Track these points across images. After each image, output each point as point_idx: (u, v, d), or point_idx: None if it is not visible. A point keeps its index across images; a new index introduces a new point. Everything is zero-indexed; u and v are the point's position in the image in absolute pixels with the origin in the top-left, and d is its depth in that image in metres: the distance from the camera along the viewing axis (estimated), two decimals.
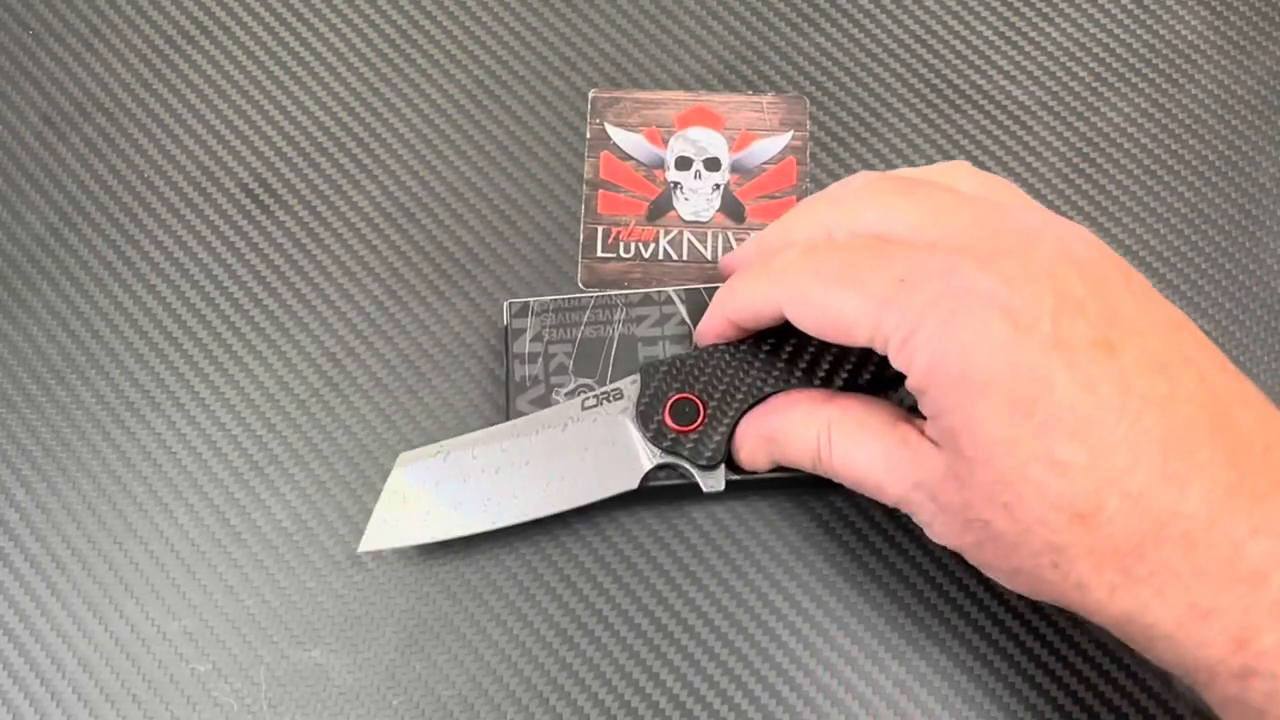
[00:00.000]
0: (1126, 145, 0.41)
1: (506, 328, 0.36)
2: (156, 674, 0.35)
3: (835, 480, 0.31)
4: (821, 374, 0.33)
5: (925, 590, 0.35)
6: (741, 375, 0.33)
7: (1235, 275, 0.39)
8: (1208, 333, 0.38)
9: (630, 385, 0.34)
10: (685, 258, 0.40)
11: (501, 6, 0.43)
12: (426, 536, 0.33)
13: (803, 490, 0.36)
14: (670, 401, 0.33)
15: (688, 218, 0.40)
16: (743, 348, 0.33)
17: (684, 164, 0.41)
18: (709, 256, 0.40)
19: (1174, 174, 0.41)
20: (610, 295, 0.36)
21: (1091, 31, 0.43)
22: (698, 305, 0.35)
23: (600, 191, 0.41)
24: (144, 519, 0.37)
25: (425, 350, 0.39)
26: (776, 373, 0.33)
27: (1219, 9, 0.43)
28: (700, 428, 0.33)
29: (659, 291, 0.36)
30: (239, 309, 0.39)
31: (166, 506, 0.37)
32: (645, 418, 0.33)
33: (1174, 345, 0.26)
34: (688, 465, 0.33)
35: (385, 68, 0.42)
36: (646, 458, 0.33)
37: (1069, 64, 0.42)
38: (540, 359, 0.35)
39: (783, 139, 0.41)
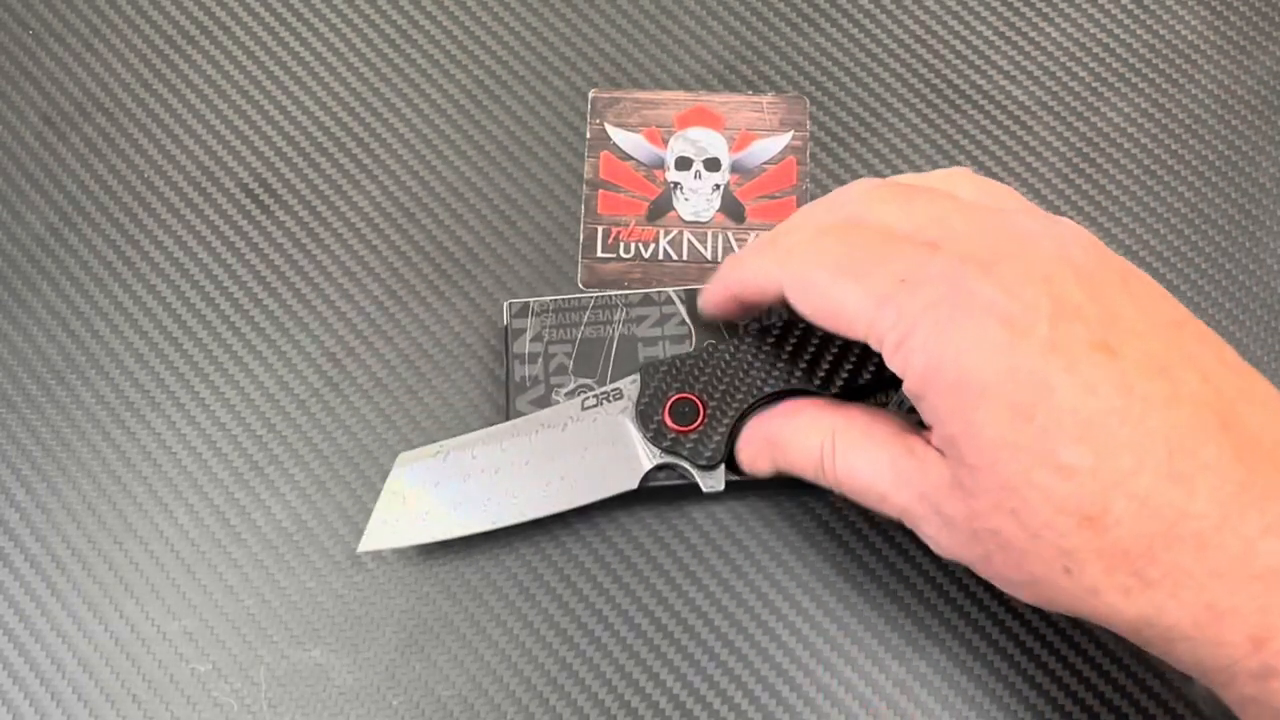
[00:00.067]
0: (1126, 145, 0.41)
1: (506, 328, 0.36)
2: (156, 674, 0.35)
3: (837, 490, 0.31)
4: (821, 374, 0.33)
5: (925, 590, 0.35)
6: (741, 375, 0.33)
7: (1235, 275, 0.39)
8: None
9: (630, 385, 0.34)
10: (685, 258, 0.40)
11: (501, 6, 0.43)
12: (426, 536, 0.33)
13: (803, 490, 0.36)
14: (670, 401, 0.33)
15: (688, 218, 0.40)
16: (743, 347, 0.33)
17: (684, 164, 0.41)
18: (709, 257, 0.40)
19: (1174, 174, 0.41)
20: (610, 295, 0.36)
21: (1091, 31, 0.43)
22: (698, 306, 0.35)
23: (600, 191, 0.41)
24: (144, 519, 0.37)
25: (425, 350, 0.39)
26: (776, 373, 0.33)
27: (1219, 9, 0.43)
28: (700, 428, 0.33)
29: (659, 292, 0.36)
30: (239, 309, 0.39)
31: (166, 506, 0.37)
32: (645, 418, 0.33)
33: (1175, 345, 0.26)
34: (687, 465, 0.33)
35: (385, 68, 0.42)
36: (646, 458, 0.33)
37: (1069, 64, 0.42)
38: (540, 359, 0.35)
39: (783, 139, 0.41)
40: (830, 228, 0.30)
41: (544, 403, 0.35)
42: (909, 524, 0.29)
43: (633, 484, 0.33)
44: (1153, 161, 0.41)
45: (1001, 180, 0.40)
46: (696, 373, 0.33)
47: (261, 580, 0.36)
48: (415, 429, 0.38)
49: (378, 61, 0.43)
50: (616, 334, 0.36)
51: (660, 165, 0.41)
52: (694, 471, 0.33)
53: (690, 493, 0.34)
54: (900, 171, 0.41)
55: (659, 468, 0.33)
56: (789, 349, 0.33)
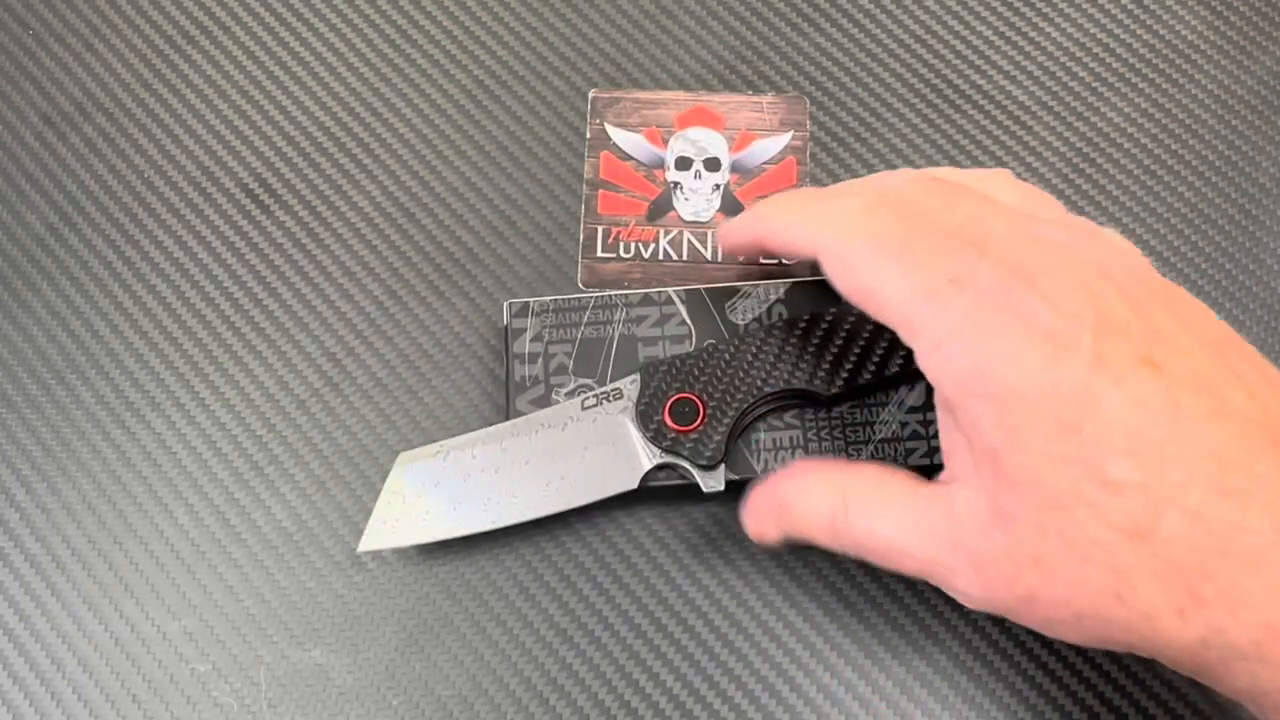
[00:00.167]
0: (1126, 145, 0.41)
1: (506, 328, 0.36)
2: (156, 674, 0.35)
3: (853, 554, 0.29)
4: (822, 374, 0.33)
5: (926, 590, 0.35)
6: (741, 375, 0.33)
7: (1235, 275, 0.39)
8: None
9: (630, 385, 0.34)
10: (685, 258, 0.40)
11: (501, 6, 0.43)
12: (426, 536, 0.33)
13: None
14: (670, 401, 0.33)
15: (688, 218, 0.40)
16: (743, 347, 0.33)
17: (684, 164, 0.41)
18: (709, 257, 0.40)
19: (1174, 174, 0.41)
20: (610, 295, 0.36)
21: (1091, 31, 0.43)
22: (698, 306, 0.35)
23: (600, 191, 0.41)
24: (144, 519, 0.37)
25: (425, 350, 0.39)
26: (777, 372, 0.33)
27: (1219, 9, 0.43)
28: (700, 427, 0.33)
29: (659, 292, 0.36)
30: (239, 309, 0.39)
31: (166, 506, 0.37)
32: (645, 417, 0.33)
33: (1220, 362, 0.26)
34: (687, 465, 0.33)
35: (385, 68, 0.42)
36: (646, 457, 0.33)
37: (1069, 64, 0.42)
38: (540, 359, 0.35)
39: (783, 139, 0.41)
40: (880, 203, 0.29)
41: (544, 403, 0.35)
42: (934, 580, 0.28)
43: (633, 484, 0.33)
44: (1153, 161, 0.41)
45: None
46: (696, 372, 0.33)
47: (261, 580, 0.36)
48: (415, 429, 0.38)
49: (378, 61, 0.43)
50: (616, 334, 0.35)
51: (660, 165, 0.41)
52: (694, 471, 0.33)
53: (690, 493, 0.34)
54: None
55: (659, 467, 0.33)
56: (789, 349, 0.33)
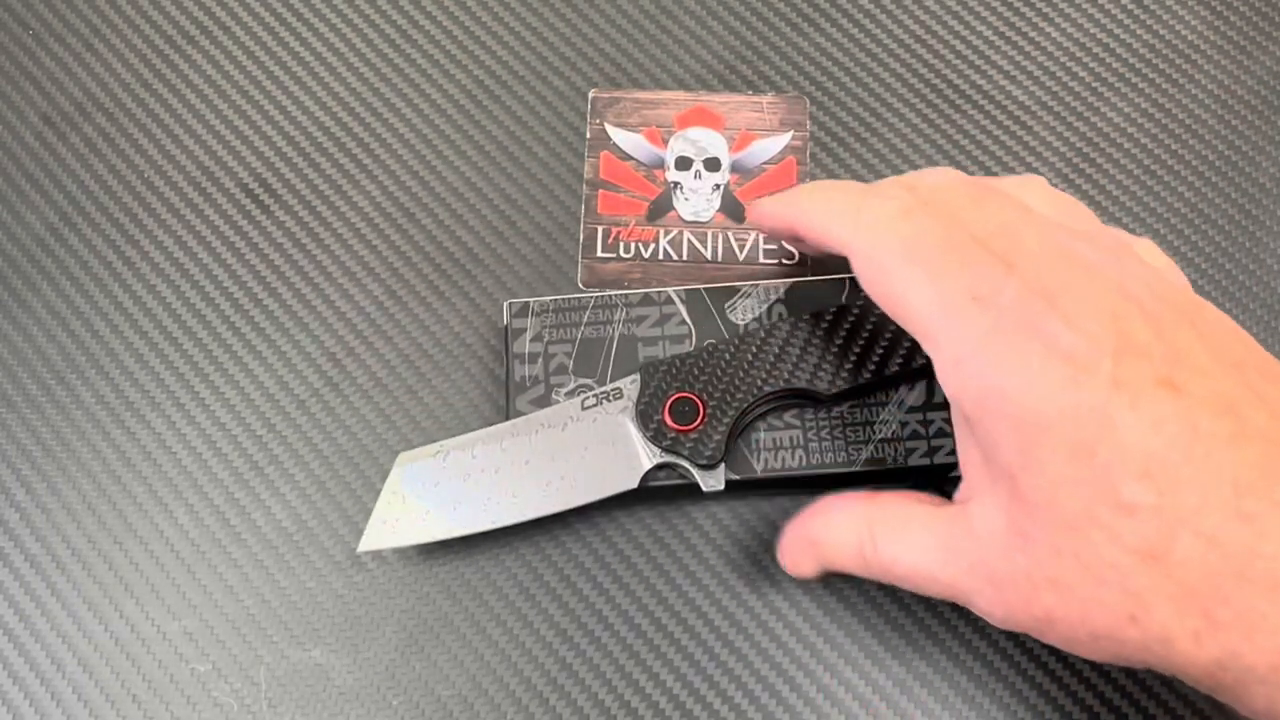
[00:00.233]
0: (1126, 145, 0.41)
1: (506, 328, 0.36)
2: (156, 674, 0.35)
3: (885, 580, 0.30)
4: (822, 374, 0.33)
5: None
6: (741, 374, 0.33)
7: (1235, 275, 0.39)
8: None
9: (630, 385, 0.34)
10: (685, 258, 0.40)
11: (501, 6, 0.43)
12: (426, 536, 0.33)
13: (803, 489, 0.36)
14: (670, 401, 0.33)
15: (688, 218, 0.40)
16: (743, 347, 0.33)
17: (684, 164, 0.41)
18: (709, 257, 0.40)
19: (1174, 174, 0.41)
20: (610, 295, 0.36)
21: (1091, 31, 0.43)
22: (698, 306, 0.35)
23: (600, 191, 0.41)
24: (144, 519, 0.37)
25: (425, 350, 0.39)
26: (776, 372, 0.33)
27: (1219, 9, 0.43)
28: (700, 427, 0.33)
29: (659, 292, 0.36)
30: (239, 309, 0.39)
31: (166, 506, 0.37)
32: (645, 417, 0.33)
33: (1243, 382, 0.25)
34: (687, 465, 0.33)
35: (385, 68, 0.43)
36: (646, 457, 0.33)
37: (1069, 64, 0.42)
38: (540, 359, 0.35)
39: (783, 139, 0.41)
40: (916, 208, 0.29)
41: (544, 402, 0.35)
42: (960, 601, 0.28)
43: (633, 483, 0.33)
44: (1153, 161, 0.41)
45: None
46: (696, 372, 0.33)
47: (261, 580, 0.36)
48: (415, 429, 0.38)
49: (378, 61, 0.43)
50: (616, 334, 0.35)
51: (660, 165, 0.41)
52: (694, 471, 0.33)
53: (690, 492, 0.34)
54: (900, 171, 0.41)
55: (659, 467, 0.33)
56: (789, 348, 0.33)
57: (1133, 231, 0.40)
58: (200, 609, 0.36)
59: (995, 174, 0.41)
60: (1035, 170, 0.41)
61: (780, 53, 0.43)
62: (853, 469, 0.34)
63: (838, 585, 0.36)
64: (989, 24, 0.43)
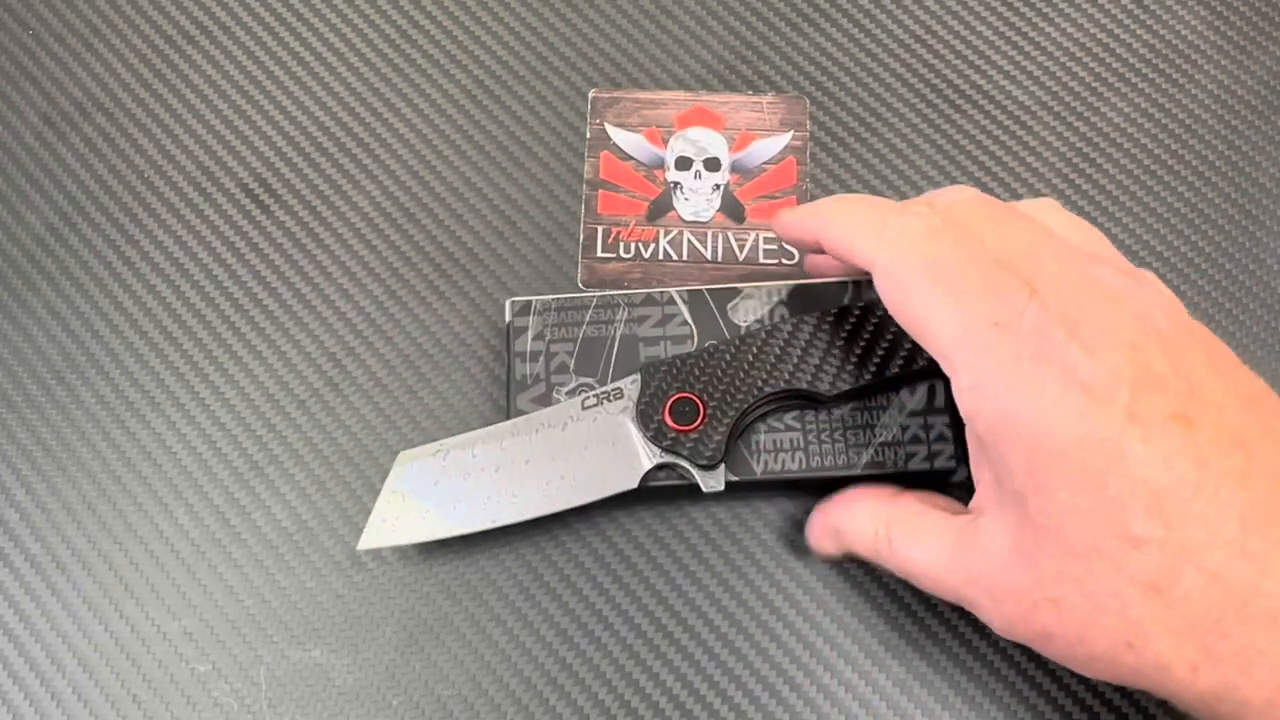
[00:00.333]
0: (1126, 145, 0.41)
1: (508, 326, 0.36)
2: (156, 674, 0.35)
3: (898, 575, 0.31)
4: (823, 376, 0.33)
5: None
6: (742, 376, 0.33)
7: (1235, 275, 0.39)
8: None
9: (630, 385, 0.34)
10: (685, 258, 0.40)
11: (501, 6, 0.43)
12: (425, 535, 0.33)
13: (802, 490, 0.36)
14: (670, 401, 0.33)
15: (688, 218, 0.40)
16: (744, 348, 0.33)
17: (684, 164, 0.41)
18: (709, 257, 0.40)
19: (1174, 174, 0.41)
20: (612, 295, 0.36)
21: (1091, 31, 0.43)
22: (700, 306, 0.35)
23: (600, 191, 0.41)
24: (144, 519, 0.37)
25: (425, 350, 0.39)
26: (777, 374, 0.33)
27: (1219, 9, 0.43)
28: (700, 427, 0.33)
29: (661, 292, 0.36)
30: (239, 309, 0.39)
31: (166, 506, 0.37)
32: (645, 417, 0.33)
33: (1255, 418, 0.26)
34: (687, 465, 0.33)
35: (385, 68, 0.43)
36: (646, 457, 0.33)
37: (1069, 64, 0.42)
38: (542, 357, 0.35)
39: (783, 139, 0.41)
40: (941, 228, 0.29)
41: (545, 401, 0.35)
42: (965, 606, 0.29)
43: (632, 483, 0.33)
44: (1153, 161, 0.41)
45: (1002, 180, 0.40)
46: (697, 372, 0.33)
47: (261, 580, 0.36)
48: (415, 429, 0.38)
49: (378, 61, 0.43)
50: (618, 333, 0.35)
51: (660, 165, 0.41)
52: (694, 471, 0.33)
53: (690, 493, 0.34)
54: (900, 171, 0.41)
55: (659, 467, 0.33)
56: (790, 350, 0.33)
57: (1133, 231, 0.40)
58: (200, 609, 0.36)
59: (995, 174, 0.41)
60: (1035, 170, 0.41)
61: (780, 53, 0.43)
62: (852, 472, 0.34)
63: (838, 585, 0.36)
64: (989, 24, 0.43)
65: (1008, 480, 0.27)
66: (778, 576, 0.36)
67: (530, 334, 0.36)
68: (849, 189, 0.41)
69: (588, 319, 0.36)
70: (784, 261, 0.39)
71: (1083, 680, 0.34)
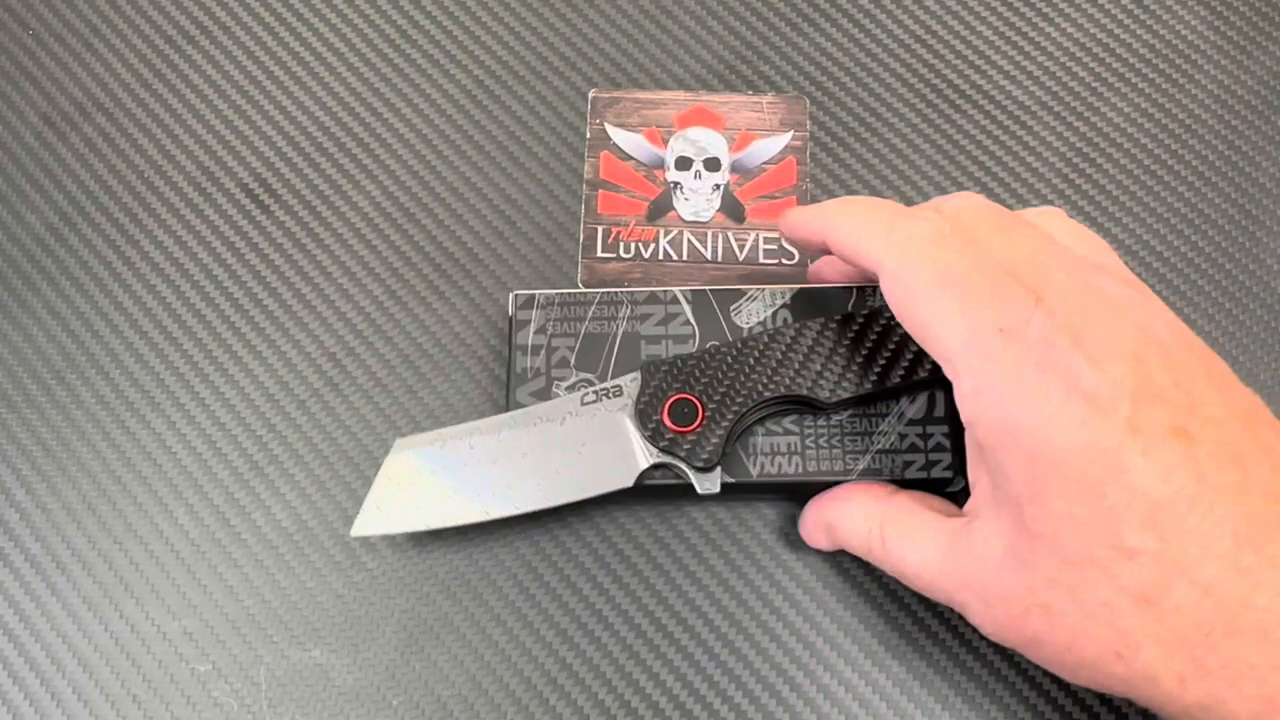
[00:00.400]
0: (1126, 145, 0.41)
1: (511, 318, 0.36)
2: (156, 674, 0.35)
3: (890, 573, 0.32)
4: (823, 382, 0.33)
5: None
6: (742, 378, 0.33)
7: (1235, 275, 0.39)
8: (1207, 333, 0.38)
9: (630, 383, 0.34)
10: (685, 258, 0.40)
11: (501, 6, 0.43)
12: (419, 524, 0.33)
13: (799, 497, 0.36)
14: (669, 401, 0.33)
15: (688, 218, 0.40)
16: (745, 351, 0.33)
17: (684, 164, 0.41)
18: (709, 257, 0.40)
19: (1174, 174, 0.41)
20: (616, 292, 0.36)
21: (1091, 31, 0.43)
22: (704, 307, 0.35)
23: (600, 191, 0.41)
24: (144, 519, 0.37)
25: (425, 350, 0.39)
26: (778, 378, 0.33)
27: (1219, 9, 0.43)
28: (698, 429, 0.33)
29: (665, 291, 0.36)
30: (239, 309, 0.39)
31: (166, 506, 0.37)
32: (644, 416, 0.33)
33: (1251, 434, 0.26)
34: (684, 466, 0.33)
35: (385, 68, 0.43)
36: (643, 456, 0.33)
37: (1069, 64, 0.42)
38: (543, 351, 0.35)
39: (783, 139, 0.41)
40: (948, 233, 0.29)
41: (544, 395, 0.35)
42: (956, 608, 0.29)
43: (628, 482, 0.33)
44: (1153, 161, 0.41)
45: (1002, 180, 0.40)
46: (697, 374, 0.33)
47: (261, 580, 0.36)
48: (415, 429, 0.38)
49: (378, 61, 0.43)
50: (620, 330, 0.35)
51: (660, 165, 0.41)
52: (690, 472, 0.33)
53: (688, 493, 0.34)
54: (900, 171, 0.41)
55: (655, 467, 0.33)
56: (791, 355, 0.33)
57: (1133, 231, 0.40)
58: (200, 609, 0.36)
59: (995, 174, 0.41)
60: (1035, 170, 0.41)
61: (780, 53, 0.43)
62: (848, 478, 0.34)
63: (838, 585, 0.36)
64: (989, 24, 0.43)
65: (1005, 486, 0.27)
66: (778, 576, 0.36)
67: (532, 328, 0.36)
68: (849, 189, 0.41)
69: (590, 315, 0.36)
70: (784, 261, 0.39)
71: None
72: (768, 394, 0.33)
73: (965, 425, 0.28)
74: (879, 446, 0.34)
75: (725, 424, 0.33)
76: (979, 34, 0.43)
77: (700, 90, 0.42)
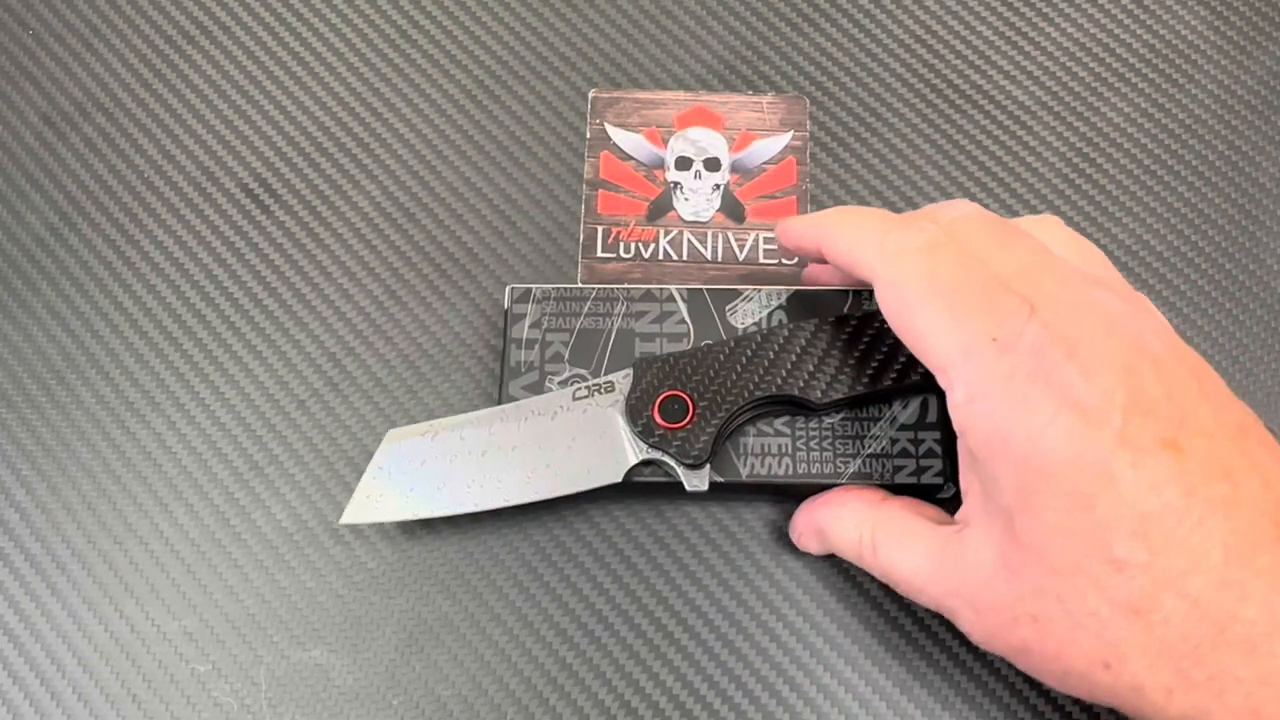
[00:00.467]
0: (1126, 145, 0.41)
1: (507, 312, 0.36)
2: (156, 674, 0.35)
3: (880, 579, 0.31)
4: (815, 384, 0.33)
5: None
6: (734, 377, 0.33)
7: (1235, 275, 0.39)
8: (1207, 333, 0.38)
9: (623, 379, 0.34)
10: (685, 258, 0.40)
11: (501, 6, 0.43)
12: (407, 514, 0.33)
13: (788, 498, 0.36)
14: (661, 398, 0.33)
15: (688, 218, 0.40)
16: (737, 350, 0.33)
17: (684, 164, 0.41)
18: (709, 257, 0.40)
19: (1174, 174, 0.41)
20: (612, 288, 0.36)
21: (1091, 31, 0.43)
22: (699, 306, 0.35)
23: (600, 191, 0.41)
24: (144, 519, 0.37)
25: (425, 350, 0.39)
26: (769, 378, 0.33)
27: (1219, 9, 0.43)
28: (688, 426, 0.33)
29: (661, 289, 0.36)
30: (239, 309, 0.39)
31: (166, 506, 0.37)
32: (634, 412, 0.33)
33: (1241, 449, 0.26)
34: (673, 462, 0.33)
35: (385, 68, 0.43)
36: (633, 452, 0.33)
37: (1069, 64, 0.42)
38: (537, 345, 0.35)
39: (783, 139, 0.41)
40: (942, 242, 0.29)
41: (537, 389, 0.35)
42: (946, 615, 0.30)
43: (617, 478, 0.33)
44: (1153, 161, 0.41)
45: (1002, 180, 0.40)
46: (690, 371, 0.33)
47: (261, 580, 0.36)
48: None
49: (378, 61, 0.43)
50: (615, 327, 0.35)
51: (660, 165, 0.41)
52: (679, 469, 0.33)
53: (678, 490, 0.34)
54: (900, 172, 0.41)
55: (645, 463, 0.33)
56: (784, 355, 0.33)
57: (1133, 231, 0.40)
58: (200, 609, 0.36)
59: (995, 174, 0.41)
60: (1035, 170, 0.41)
61: (780, 53, 0.43)
62: (838, 481, 0.34)
63: (838, 585, 0.36)
64: (989, 24, 0.43)
65: (996, 495, 0.27)
66: (778, 576, 0.36)
67: (528, 321, 0.36)
68: (849, 189, 0.41)
69: (586, 310, 0.36)
70: (784, 262, 0.39)
71: None
72: (759, 393, 0.33)
73: (957, 434, 0.28)
74: (870, 450, 0.34)
75: (716, 422, 0.33)
76: (979, 34, 0.43)
77: (700, 90, 0.42)
